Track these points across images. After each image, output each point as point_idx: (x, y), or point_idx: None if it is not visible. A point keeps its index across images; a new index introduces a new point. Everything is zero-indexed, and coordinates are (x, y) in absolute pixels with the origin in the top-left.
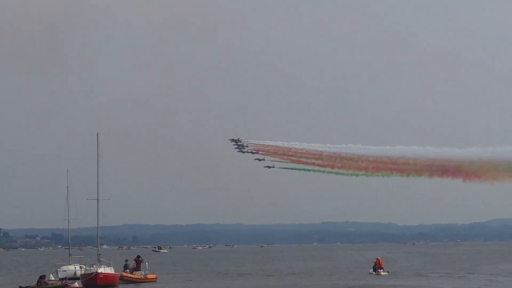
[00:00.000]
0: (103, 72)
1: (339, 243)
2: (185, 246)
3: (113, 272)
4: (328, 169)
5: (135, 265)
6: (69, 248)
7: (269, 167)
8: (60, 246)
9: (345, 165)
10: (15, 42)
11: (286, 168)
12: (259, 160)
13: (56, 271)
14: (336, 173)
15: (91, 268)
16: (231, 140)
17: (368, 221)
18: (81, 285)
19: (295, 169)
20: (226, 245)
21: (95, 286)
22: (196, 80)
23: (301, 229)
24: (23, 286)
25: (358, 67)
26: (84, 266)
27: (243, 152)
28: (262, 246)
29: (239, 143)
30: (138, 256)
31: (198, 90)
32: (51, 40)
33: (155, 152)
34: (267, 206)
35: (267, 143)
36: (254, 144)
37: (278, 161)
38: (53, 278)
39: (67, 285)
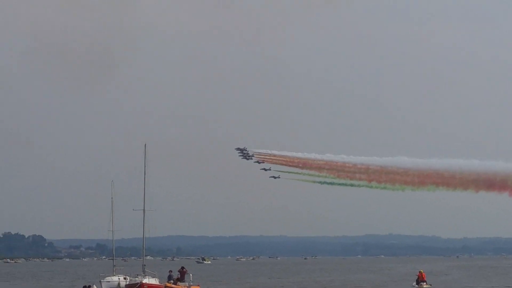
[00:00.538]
0: (149, 84)
1: (382, 256)
2: (229, 257)
3: (158, 283)
4: (375, 183)
5: (179, 276)
6: (113, 259)
7: (274, 177)
8: (104, 257)
9: (392, 179)
10: (65, 59)
11: (309, 181)
12: (265, 170)
13: (100, 281)
14: (384, 188)
15: (136, 278)
16: (237, 149)
17: (411, 234)
18: None
19: (342, 184)
20: (270, 257)
21: None
22: (239, 92)
23: (345, 241)
24: None
25: (401, 78)
26: (128, 277)
27: (247, 159)
28: (305, 258)
29: (244, 152)
30: (182, 267)
31: (241, 103)
32: (99, 56)
33: (200, 164)
34: (311, 218)
35: (276, 153)
36: (260, 153)
37: (285, 172)
38: None
39: None
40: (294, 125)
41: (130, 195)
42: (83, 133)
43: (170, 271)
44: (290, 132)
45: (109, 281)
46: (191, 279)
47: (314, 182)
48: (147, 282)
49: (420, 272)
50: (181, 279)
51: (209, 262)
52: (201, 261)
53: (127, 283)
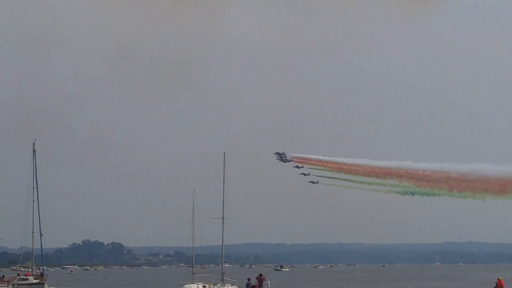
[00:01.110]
0: (228, 93)
1: (461, 263)
2: (306, 265)
3: None
4: (456, 192)
5: (258, 284)
6: (192, 266)
7: (313, 182)
8: (182, 264)
9: (472, 188)
10: (145, 69)
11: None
12: (305, 174)
13: None
14: (464, 197)
15: (215, 286)
16: (275, 153)
17: (491, 241)
18: None
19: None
20: (348, 264)
21: None
22: (315, 98)
23: (423, 248)
24: None
25: (481, 82)
26: (207, 285)
27: (285, 162)
28: (383, 266)
29: (282, 156)
30: (260, 275)
31: (321, 111)
32: (179, 66)
33: (277, 171)
34: (388, 225)
35: (318, 158)
36: (299, 157)
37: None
38: None
39: None
40: (374, 132)
41: (209, 203)
42: (162, 142)
43: (248, 278)
44: (371, 139)
45: None
46: (269, 286)
47: (396, 192)
48: None
49: (499, 279)
50: (259, 286)
51: (287, 269)
52: (279, 268)
53: None
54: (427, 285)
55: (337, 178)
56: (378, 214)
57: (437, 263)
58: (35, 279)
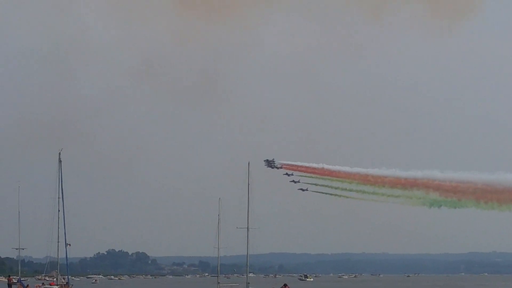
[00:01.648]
0: (251, 103)
1: (486, 274)
2: (331, 275)
3: None
4: (483, 203)
5: None
6: (217, 276)
7: (302, 189)
8: (206, 274)
9: (499, 199)
10: (174, 84)
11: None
12: (294, 182)
13: None
14: (491, 208)
15: None
16: (265, 161)
17: None
18: None
19: (450, 206)
20: (372, 274)
21: None
22: (339, 109)
23: (448, 259)
24: None
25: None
26: None
27: (272, 168)
28: (408, 276)
29: (271, 163)
30: (285, 285)
31: (341, 119)
32: (204, 76)
33: None
34: (413, 235)
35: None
36: (289, 164)
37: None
38: None
39: None
40: (400, 141)
41: (233, 213)
42: (188, 152)
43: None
44: (397, 147)
45: None
46: None
47: (422, 204)
48: None
49: None
50: None
51: (311, 279)
52: (303, 278)
53: None
54: None
55: (330, 186)
56: (402, 224)
57: (462, 273)
58: None
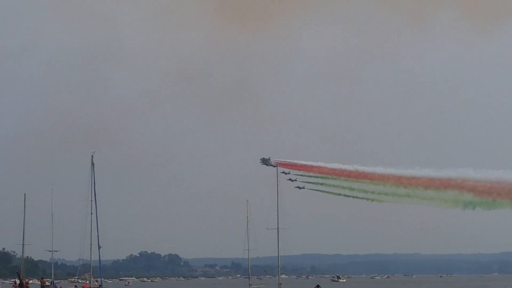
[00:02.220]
0: (280, 103)
1: None
2: (363, 275)
3: None
4: (509, 201)
5: None
6: (249, 277)
7: (299, 187)
8: (238, 275)
9: None
10: (206, 87)
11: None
12: (292, 180)
13: None
14: None
15: None
16: (261, 159)
17: None
18: None
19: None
20: (405, 275)
21: None
22: (373, 111)
23: (480, 259)
24: None
25: None
26: None
27: (267, 165)
28: (441, 276)
29: (266, 162)
30: (318, 286)
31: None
32: (235, 80)
33: None
34: (445, 236)
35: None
36: (284, 162)
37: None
38: None
39: None
40: (434, 139)
41: (265, 214)
42: (218, 155)
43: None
44: (432, 146)
45: None
46: None
47: (456, 206)
48: None
49: None
50: None
51: (344, 280)
52: (336, 279)
53: None
54: None
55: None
56: (435, 225)
57: (495, 273)
58: None
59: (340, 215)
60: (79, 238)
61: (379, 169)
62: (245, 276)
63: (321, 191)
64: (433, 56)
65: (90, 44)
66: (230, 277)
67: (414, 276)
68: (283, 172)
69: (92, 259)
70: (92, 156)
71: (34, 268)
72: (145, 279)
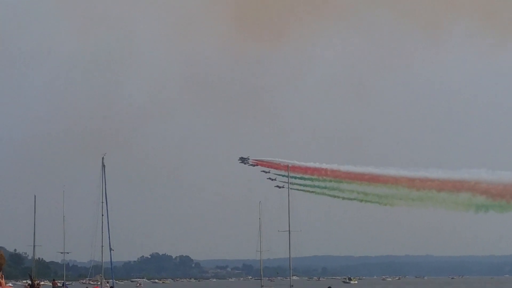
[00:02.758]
0: (296, 107)
1: None
2: (375, 277)
3: None
4: None
5: None
6: (260, 279)
7: (279, 187)
8: (250, 277)
9: None
10: (219, 93)
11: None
12: (272, 179)
13: None
14: None
15: None
16: (240, 158)
17: None
18: None
19: (499, 209)
20: (416, 277)
21: None
22: (393, 114)
23: (493, 260)
24: None
25: None
26: None
27: (245, 163)
28: (452, 278)
29: (244, 160)
30: (329, 287)
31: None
32: (249, 91)
33: None
34: (457, 238)
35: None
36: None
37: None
38: None
39: None
40: (447, 140)
41: (276, 217)
42: (229, 158)
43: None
44: (445, 146)
45: None
46: None
47: (468, 210)
48: None
49: None
50: None
51: (356, 282)
52: (347, 281)
53: None
54: None
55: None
56: (446, 226)
57: (507, 275)
58: None
59: (351, 216)
60: (90, 239)
61: (392, 171)
62: (256, 278)
63: (303, 190)
64: (449, 65)
65: (103, 49)
66: (242, 278)
67: (425, 278)
68: (263, 171)
69: (103, 261)
70: (103, 158)
71: (46, 269)
72: (156, 280)
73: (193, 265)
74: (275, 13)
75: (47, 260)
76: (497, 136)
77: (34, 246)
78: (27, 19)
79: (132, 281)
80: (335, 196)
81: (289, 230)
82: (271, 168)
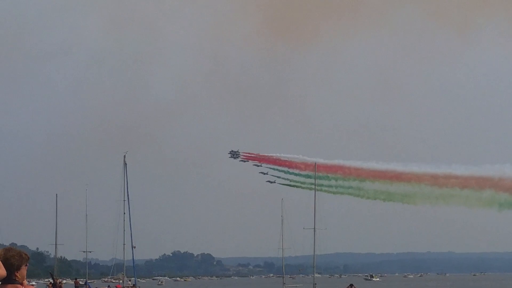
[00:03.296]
0: (318, 105)
1: None
2: (396, 274)
3: None
4: None
5: None
6: (282, 277)
7: (270, 182)
8: (271, 275)
9: None
10: (243, 88)
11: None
12: (264, 173)
13: None
14: None
15: None
16: (230, 152)
17: None
18: None
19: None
20: (438, 274)
21: None
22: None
23: None
24: None
25: None
26: None
27: (235, 158)
28: (474, 275)
29: (234, 154)
30: (351, 285)
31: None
32: (273, 86)
33: None
34: (479, 234)
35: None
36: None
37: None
38: None
39: None
40: (472, 135)
41: (300, 213)
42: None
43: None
44: (469, 141)
45: None
46: None
47: (491, 207)
48: None
49: None
50: None
51: (378, 279)
52: (369, 278)
53: None
54: None
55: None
56: (468, 223)
57: None
58: None
59: (372, 214)
60: (112, 237)
61: (415, 168)
62: (278, 275)
63: (290, 185)
64: (476, 64)
65: (130, 46)
66: (263, 276)
67: (447, 275)
68: (255, 165)
69: (125, 259)
70: (125, 156)
71: (68, 268)
72: (178, 278)
73: (214, 263)
74: (305, 13)
75: (69, 259)
76: None
77: (56, 244)
78: (56, 15)
79: (154, 279)
80: (358, 195)
81: (314, 228)
82: (262, 162)
